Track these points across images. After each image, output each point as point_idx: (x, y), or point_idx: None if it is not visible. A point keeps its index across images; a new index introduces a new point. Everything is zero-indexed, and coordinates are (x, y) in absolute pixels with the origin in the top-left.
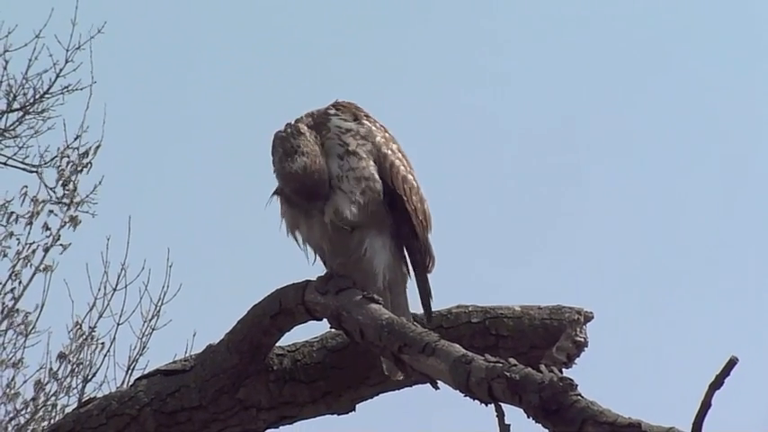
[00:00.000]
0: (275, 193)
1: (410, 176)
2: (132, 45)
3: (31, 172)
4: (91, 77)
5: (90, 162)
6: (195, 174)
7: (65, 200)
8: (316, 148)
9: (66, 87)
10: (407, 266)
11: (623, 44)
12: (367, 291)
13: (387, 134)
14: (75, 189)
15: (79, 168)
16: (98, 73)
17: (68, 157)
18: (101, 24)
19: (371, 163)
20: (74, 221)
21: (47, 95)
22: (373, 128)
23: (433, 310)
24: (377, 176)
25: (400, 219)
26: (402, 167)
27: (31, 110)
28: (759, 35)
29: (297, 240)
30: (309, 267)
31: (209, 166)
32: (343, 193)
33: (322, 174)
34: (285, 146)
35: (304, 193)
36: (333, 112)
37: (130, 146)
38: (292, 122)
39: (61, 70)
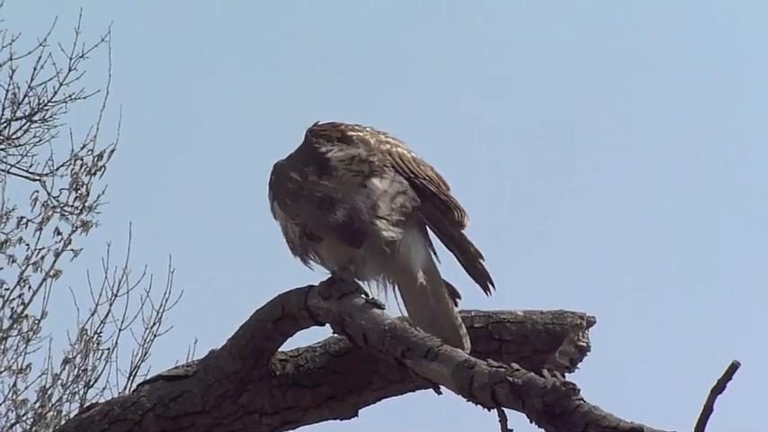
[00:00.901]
0: (305, 236)
1: (414, 154)
2: (136, 53)
3: (35, 180)
4: (107, 90)
5: (104, 165)
6: (197, 179)
7: (77, 203)
8: (343, 189)
9: (70, 96)
10: (435, 252)
11: (620, 47)
12: (405, 288)
13: (370, 130)
14: (87, 193)
15: (93, 171)
16: (102, 80)
17: (82, 159)
18: (105, 33)
19: (389, 171)
20: (86, 226)
21: (50, 104)
22: (361, 136)
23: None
24: (403, 181)
25: (423, 198)
26: (405, 152)
27: (35, 118)
28: (753, 39)
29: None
30: (312, 272)
31: (210, 171)
32: (383, 220)
33: (362, 215)
34: (314, 200)
35: (352, 240)
36: (324, 149)
37: (131, 152)
38: (295, 176)
39: (65, 79)
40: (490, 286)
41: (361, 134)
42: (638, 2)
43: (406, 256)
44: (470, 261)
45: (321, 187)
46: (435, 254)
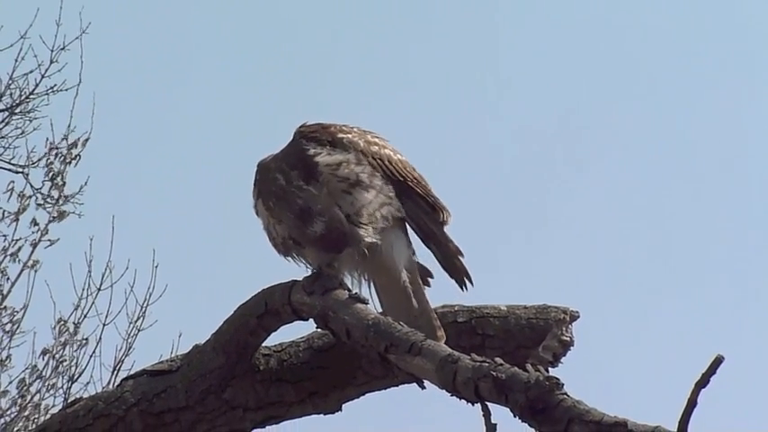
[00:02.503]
0: (291, 241)
1: (399, 156)
2: (117, 44)
3: (18, 172)
4: (80, 77)
5: (79, 155)
6: (181, 174)
7: (53, 192)
8: (324, 199)
9: (52, 88)
10: (415, 252)
11: (615, 49)
12: (386, 287)
13: (358, 130)
14: (63, 183)
15: (68, 160)
16: (84, 72)
17: (57, 148)
18: (86, 25)
19: (377, 181)
20: (61, 216)
21: (32, 96)
22: (351, 138)
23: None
24: (390, 192)
25: (405, 196)
26: (391, 153)
27: (17, 110)
28: (757, 37)
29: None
30: (295, 267)
31: (195, 165)
32: (365, 228)
33: (342, 224)
34: (294, 209)
35: (333, 248)
36: (312, 151)
37: (114, 145)
38: (280, 179)
39: (46, 71)
40: (467, 281)
41: (350, 136)
42: (633, 4)
43: (389, 255)
44: (449, 258)
45: (303, 194)
46: (415, 253)
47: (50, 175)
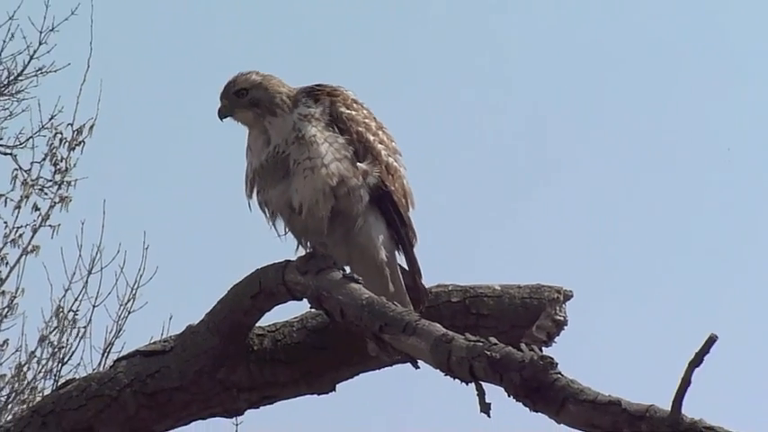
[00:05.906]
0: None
1: (391, 159)
2: (106, 26)
3: (6, 154)
4: (87, 52)
5: (84, 140)
6: (169, 154)
7: (56, 177)
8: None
9: (40, 69)
10: (396, 244)
11: (609, 40)
12: (366, 267)
13: (368, 114)
14: (67, 168)
15: (73, 146)
16: (73, 53)
17: (61, 133)
18: (75, 6)
19: (328, 147)
20: (64, 201)
21: (20, 77)
22: (353, 115)
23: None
24: (339, 146)
25: (384, 198)
26: (384, 152)
27: (5, 92)
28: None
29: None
30: (289, 249)
31: (184, 146)
32: (293, 180)
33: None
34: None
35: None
36: (304, 100)
37: (105, 127)
38: None
39: (35, 52)
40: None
41: (353, 113)
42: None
43: (368, 234)
44: (412, 271)
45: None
46: (393, 241)
47: (53, 159)
